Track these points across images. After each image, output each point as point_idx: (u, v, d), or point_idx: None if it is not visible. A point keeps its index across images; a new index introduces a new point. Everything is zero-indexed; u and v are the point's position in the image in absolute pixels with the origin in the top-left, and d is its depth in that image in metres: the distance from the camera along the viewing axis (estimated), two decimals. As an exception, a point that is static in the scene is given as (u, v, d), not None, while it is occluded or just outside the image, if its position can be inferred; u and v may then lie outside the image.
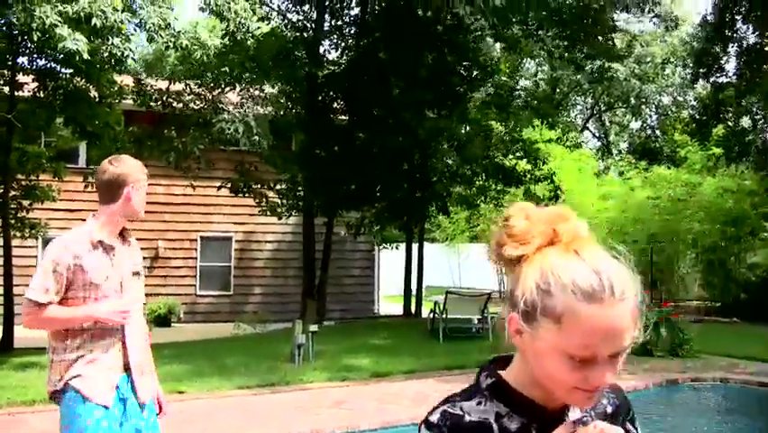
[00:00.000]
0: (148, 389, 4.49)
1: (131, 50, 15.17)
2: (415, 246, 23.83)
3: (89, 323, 4.27)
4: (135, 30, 15.44)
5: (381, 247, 27.71)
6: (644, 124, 45.33)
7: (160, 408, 4.70)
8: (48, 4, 13.08)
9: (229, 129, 17.21)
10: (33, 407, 10.26)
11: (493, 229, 1.78)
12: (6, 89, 18.08)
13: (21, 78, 18.15)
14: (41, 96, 18.17)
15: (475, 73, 21.43)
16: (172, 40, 14.98)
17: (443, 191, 20.97)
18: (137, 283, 4.57)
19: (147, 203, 4.25)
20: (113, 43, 14.71)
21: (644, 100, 40.13)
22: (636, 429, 1.98)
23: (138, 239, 15.73)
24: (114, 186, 4.49)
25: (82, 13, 13.42)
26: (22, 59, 18.09)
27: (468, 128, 20.53)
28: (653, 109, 43.58)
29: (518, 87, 23.97)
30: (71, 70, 17.54)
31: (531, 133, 23.59)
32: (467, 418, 1.75)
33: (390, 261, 30.50)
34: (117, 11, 13.78)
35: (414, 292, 23.59)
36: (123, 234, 4.59)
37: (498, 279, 34.73)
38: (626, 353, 1.66)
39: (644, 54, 35.93)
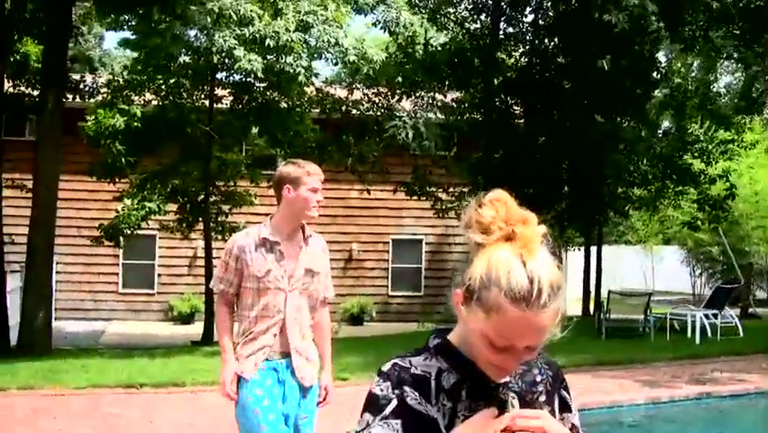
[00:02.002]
0: (308, 373, 4.83)
1: (302, 66, 16.42)
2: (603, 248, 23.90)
3: (251, 312, 4.76)
4: (305, 48, 16.67)
5: (567, 249, 28.00)
6: None
7: (325, 397, 5.00)
8: (227, 28, 14.58)
9: (400, 134, 18.24)
10: (213, 387, 11.39)
11: (469, 205, 1.97)
12: (207, 103, 19.90)
13: (218, 91, 19.87)
14: (237, 108, 19.86)
15: (653, 75, 21.45)
16: (340, 56, 16.18)
17: (619, 193, 21.09)
18: (311, 280, 4.85)
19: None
20: (286, 61, 16.03)
21: None
22: (570, 396, 2.21)
23: (333, 241, 17.40)
24: (276, 186, 4.81)
25: (257, 35, 14.81)
26: (220, 75, 19.77)
27: (642, 130, 20.56)
28: None
29: (699, 86, 23.60)
30: (264, 84, 19.08)
31: (723, 133, 23.18)
32: (413, 370, 2.01)
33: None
34: (289, 31, 15.09)
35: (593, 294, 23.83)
36: (303, 234, 4.89)
37: (691, 281, 34.15)
38: (542, 344, 1.92)
39: None
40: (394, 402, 1.97)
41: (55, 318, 21.86)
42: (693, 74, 23.44)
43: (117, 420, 10.10)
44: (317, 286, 4.90)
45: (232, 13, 14.61)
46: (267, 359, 4.71)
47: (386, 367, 2.02)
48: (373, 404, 1.99)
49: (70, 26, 16.68)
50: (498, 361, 1.91)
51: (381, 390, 1.99)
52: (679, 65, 23.62)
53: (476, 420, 1.94)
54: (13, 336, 16.91)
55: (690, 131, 22.15)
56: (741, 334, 17.83)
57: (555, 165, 20.57)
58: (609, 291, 18.21)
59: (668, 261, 34.68)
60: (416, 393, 1.98)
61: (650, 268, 35.96)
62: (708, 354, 15.37)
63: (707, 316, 17.74)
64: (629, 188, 21.65)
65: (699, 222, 21.58)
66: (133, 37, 19.82)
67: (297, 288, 4.77)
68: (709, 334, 17.39)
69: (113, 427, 9.77)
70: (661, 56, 21.55)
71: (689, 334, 17.40)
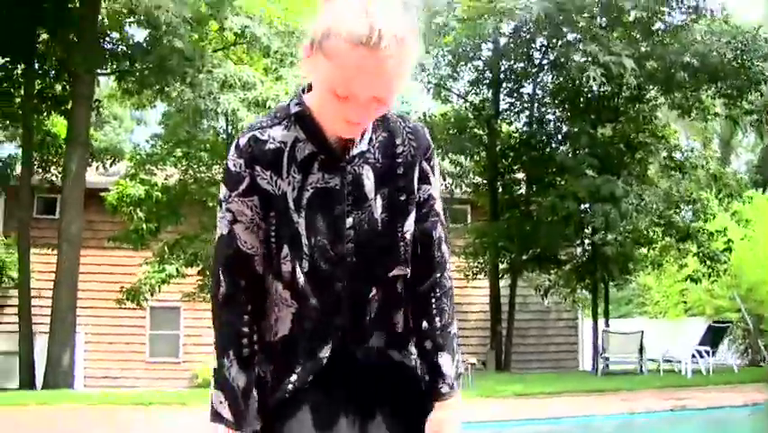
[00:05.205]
0: None
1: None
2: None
3: None
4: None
5: (582, 314, 28.56)
6: None
7: None
8: (231, 92, 16.03)
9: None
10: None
11: None
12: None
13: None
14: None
15: (648, 140, 22.45)
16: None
17: (621, 252, 21.52)
18: None
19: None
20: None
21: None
22: (432, 167, 2.17)
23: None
24: None
25: (259, 98, 16.22)
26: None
27: (639, 189, 21.28)
28: None
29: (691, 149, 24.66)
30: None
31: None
32: (269, 145, 2.01)
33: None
34: (288, 94, 16.46)
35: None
36: None
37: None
38: (388, 101, 1.93)
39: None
40: (247, 180, 2.01)
41: (84, 386, 22.87)
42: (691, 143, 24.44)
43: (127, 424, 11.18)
44: None
45: (236, 80, 16.10)
46: None
47: (243, 140, 2.03)
48: (229, 178, 2.05)
49: (92, 101, 18.13)
50: (344, 112, 1.90)
51: (234, 165, 2.02)
52: (673, 128, 24.67)
53: None
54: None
55: (689, 192, 22.76)
56: (736, 371, 18.35)
57: (555, 225, 21.29)
58: (604, 331, 18.97)
59: (689, 331, 34.79)
60: (268, 172, 2.01)
61: (670, 339, 36.01)
62: (696, 385, 15.85)
63: (699, 353, 18.32)
64: (633, 246, 22.09)
65: (700, 274, 22.16)
66: (162, 131, 21.50)
67: None
68: (703, 371, 17.93)
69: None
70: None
71: (682, 373, 17.97)
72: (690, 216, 22.61)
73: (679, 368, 18.52)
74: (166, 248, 20.66)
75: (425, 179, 2.13)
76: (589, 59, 18.64)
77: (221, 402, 2.08)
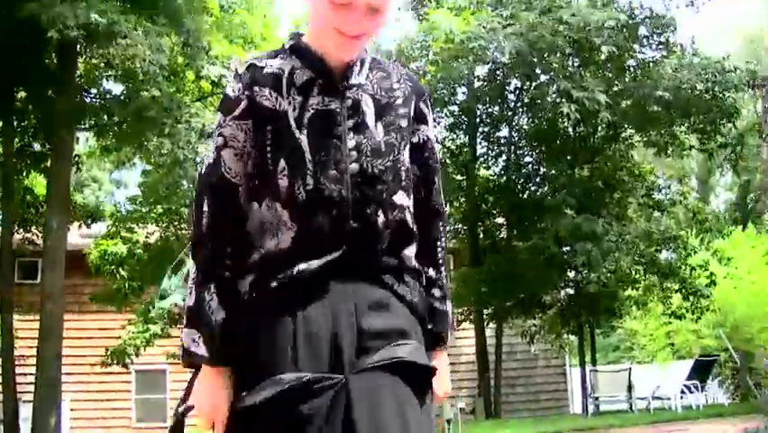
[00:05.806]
0: None
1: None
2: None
3: None
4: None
5: (570, 360, 28.43)
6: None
7: None
8: (210, 140, 16.01)
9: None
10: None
11: None
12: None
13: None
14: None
15: (625, 178, 22.61)
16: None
17: (604, 293, 21.41)
18: None
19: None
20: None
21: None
22: (428, 112, 2.24)
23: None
24: None
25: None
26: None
27: (619, 227, 21.31)
28: None
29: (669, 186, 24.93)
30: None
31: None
32: (267, 70, 2.06)
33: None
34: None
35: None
36: None
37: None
38: (383, 8, 2.00)
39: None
40: (244, 103, 2.04)
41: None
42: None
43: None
44: None
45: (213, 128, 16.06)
46: None
47: (242, 69, 2.10)
48: (225, 104, 2.09)
49: (72, 157, 18.01)
50: (340, 23, 1.97)
51: (233, 90, 2.08)
52: (650, 165, 24.81)
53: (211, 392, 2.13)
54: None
55: (670, 230, 22.76)
56: (726, 405, 18.27)
57: (538, 269, 21.20)
58: (590, 370, 18.88)
59: (677, 372, 34.66)
60: (267, 89, 2.04)
61: (659, 380, 35.83)
62: (687, 418, 15.85)
63: (688, 388, 18.24)
64: (616, 286, 21.98)
65: (683, 311, 22.10)
66: (139, 194, 21.51)
67: None
68: (693, 406, 17.84)
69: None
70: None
71: (673, 409, 17.88)
72: (672, 256, 22.61)
73: (669, 405, 18.44)
74: (150, 308, 20.51)
75: (422, 119, 2.18)
76: (563, 98, 18.83)
77: (194, 340, 2.06)
